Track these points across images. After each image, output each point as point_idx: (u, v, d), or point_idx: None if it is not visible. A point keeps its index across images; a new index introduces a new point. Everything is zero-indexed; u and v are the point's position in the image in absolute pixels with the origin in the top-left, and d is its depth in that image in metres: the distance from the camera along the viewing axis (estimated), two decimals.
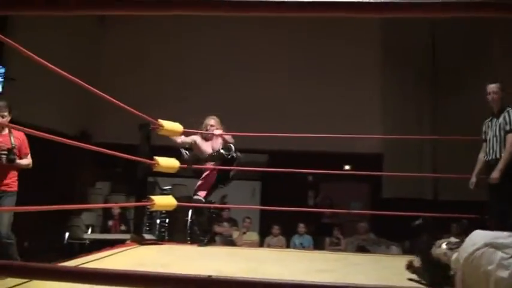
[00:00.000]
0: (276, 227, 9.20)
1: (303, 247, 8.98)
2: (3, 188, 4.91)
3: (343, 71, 11.73)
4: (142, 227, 5.70)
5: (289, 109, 11.56)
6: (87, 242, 9.04)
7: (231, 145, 5.83)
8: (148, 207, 5.15)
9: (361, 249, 8.58)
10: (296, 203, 9.99)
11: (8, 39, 2.56)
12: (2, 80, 8.88)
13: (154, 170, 5.16)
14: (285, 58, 11.90)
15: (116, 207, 9.36)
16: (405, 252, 8.68)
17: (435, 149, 11.35)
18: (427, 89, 11.70)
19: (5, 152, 4.79)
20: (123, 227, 9.25)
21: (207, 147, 5.97)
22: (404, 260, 4.70)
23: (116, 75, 11.89)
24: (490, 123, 5.05)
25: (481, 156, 5.15)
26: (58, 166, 10.15)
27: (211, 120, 6.08)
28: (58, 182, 10.35)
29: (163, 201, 5.25)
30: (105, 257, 4.03)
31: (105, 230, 9.60)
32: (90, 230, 9.48)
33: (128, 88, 10.84)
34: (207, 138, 6.04)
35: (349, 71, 11.75)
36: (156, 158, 5.04)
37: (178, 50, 11.88)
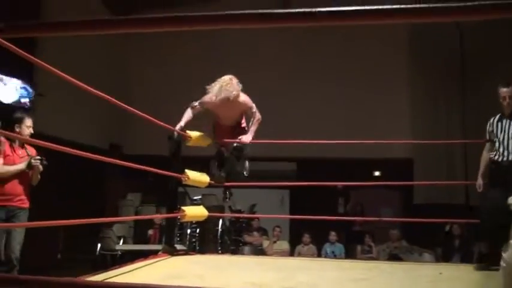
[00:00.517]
0: (307, 236, 9.15)
1: (334, 255, 8.91)
2: (17, 203, 4.79)
3: (371, 77, 11.67)
4: (174, 238, 5.71)
5: (317, 115, 11.56)
6: (119, 253, 9.11)
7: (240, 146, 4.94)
8: (179, 217, 5.16)
9: (393, 257, 8.47)
10: (326, 211, 9.90)
11: (35, 58, 2.59)
12: (30, 95, 9.03)
13: (183, 183, 5.09)
14: (314, 64, 11.90)
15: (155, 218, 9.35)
16: (438, 259, 8.57)
17: (466, 151, 11.16)
18: (456, 91, 11.52)
19: (39, 158, 4.79)
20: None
21: (224, 114, 5.06)
22: (437, 268, 4.64)
23: (144, 86, 12.08)
24: (499, 123, 4.95)
25: (486, 157, 5.05)
26: (89, 178, 10.32)
27: (228, 92, 4.71)
28: (89, 194, 10.51)
29: (195, 212, 5.24)
30: (138, 268, 4.05)
31: (141, 240, 9.59)
32: (121, 241, 9.55)
33: (155, 98, 10.98)
34: (221, 103, 4.81)
35: (377, 76, 11.69)
36: (187, 171, 4.98)
37: (205, 56, 11.93)
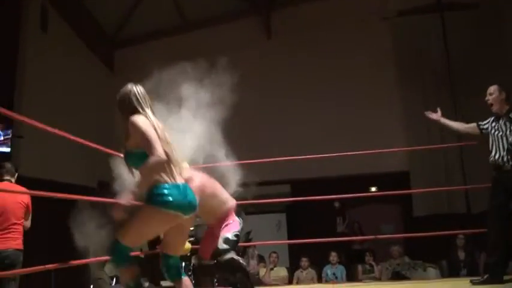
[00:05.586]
0: (305, 260, 8.69)
1: (335, 278, 8.51)
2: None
3: (361, 91, 11.45)
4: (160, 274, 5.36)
5: (308, 133, 11.29)
6: None
7: None
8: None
9: (397, 275, 8.09)
10: (324, 231, 9.57)
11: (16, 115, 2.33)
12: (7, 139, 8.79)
13: None
14: (303, 80, 11.71)
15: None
16: (443, 272, 8.21)
17: (462, 158, 10.88)
18: (447, 97, 11.26)
19: None
20: None
21: None
22: (444, 284, 4.34)
23: None
24: (495, 123, 4.79)
25: (462, 127, 5.21)
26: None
27: None
28: None
29: None
30: None
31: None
32: (114, 281, 9.12)
33: None
34: None
35: (367, 90, 11.47)
36: None
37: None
